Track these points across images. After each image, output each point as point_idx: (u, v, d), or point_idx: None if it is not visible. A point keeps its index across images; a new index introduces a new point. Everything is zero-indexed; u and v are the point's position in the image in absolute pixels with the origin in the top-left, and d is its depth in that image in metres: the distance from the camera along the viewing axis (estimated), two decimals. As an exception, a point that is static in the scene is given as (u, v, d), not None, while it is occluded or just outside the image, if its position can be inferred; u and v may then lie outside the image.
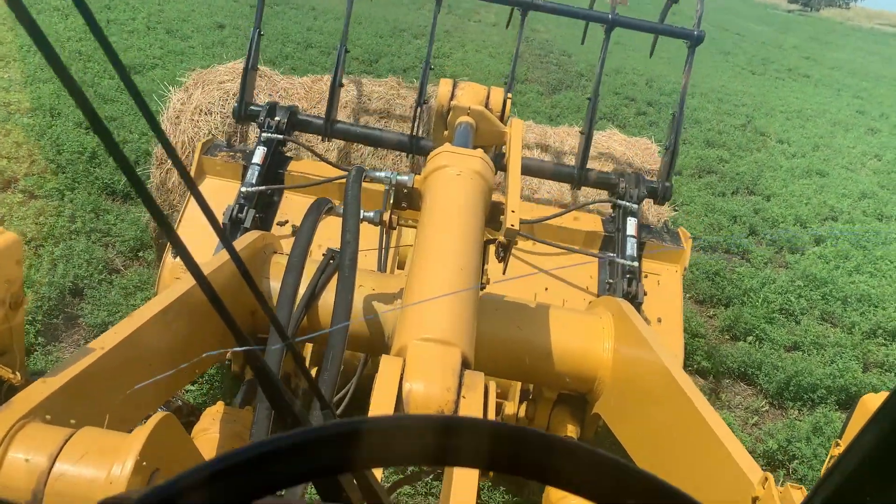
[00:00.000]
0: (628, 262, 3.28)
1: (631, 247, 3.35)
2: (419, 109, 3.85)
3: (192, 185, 0.90)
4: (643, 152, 4.44)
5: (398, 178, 2.26)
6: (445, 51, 14.74)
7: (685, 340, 5.21)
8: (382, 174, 2.27)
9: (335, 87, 3.82)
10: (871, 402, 1.94)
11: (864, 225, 8.85)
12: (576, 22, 4.12)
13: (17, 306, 1.79)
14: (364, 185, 2.22)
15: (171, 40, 11.20)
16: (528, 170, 3.82)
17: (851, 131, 14.48)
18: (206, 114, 4.16)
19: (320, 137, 3.95)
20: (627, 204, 3.51)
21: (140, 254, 5.18)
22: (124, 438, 1.36)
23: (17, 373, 1.79)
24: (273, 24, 14.10)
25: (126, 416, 1.69)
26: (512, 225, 2.06)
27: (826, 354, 5.42)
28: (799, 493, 1.49)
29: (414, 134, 3.83)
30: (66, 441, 1.36)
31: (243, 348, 0.87)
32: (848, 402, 4.77)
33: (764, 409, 4.85)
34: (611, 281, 3.31)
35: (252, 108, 3.81)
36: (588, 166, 3.87)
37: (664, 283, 3.43)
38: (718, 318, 5.83)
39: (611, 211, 3.66)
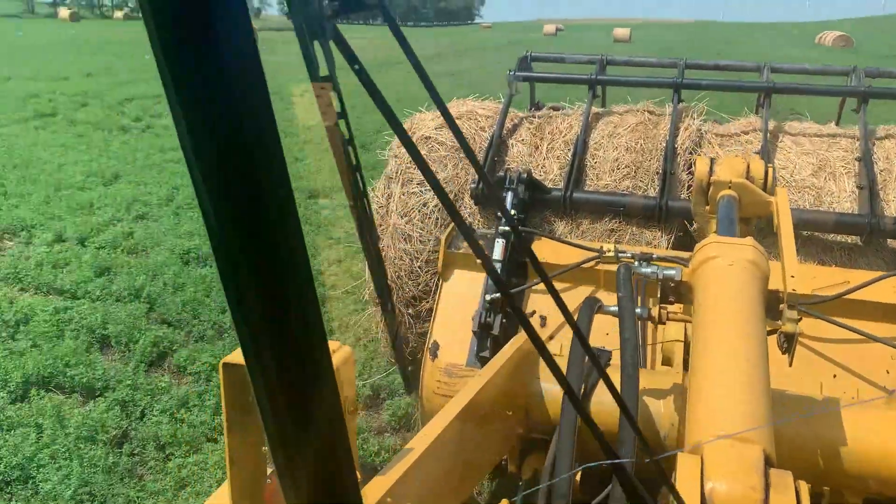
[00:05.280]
0: None
1: None
2: (667, 174, 3.77)
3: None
4: None
5: (665, 272, 2.27)
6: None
7: None
8: (649, 270, 2.31)
9: (577, 153, 3.85)
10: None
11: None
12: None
13: (353, 413, 1.91)
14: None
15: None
16: (801, 224, 3.47)
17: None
18: (405, 240, 3.60)
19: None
20: None
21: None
22: None
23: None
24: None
25: None
26: (794, 289, 2.02)
27: None
28: None
29: (662, 197, 3.73)
30: None
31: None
32: None
33: None
34: None
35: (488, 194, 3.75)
36: None
37: None
38: None
39: None
